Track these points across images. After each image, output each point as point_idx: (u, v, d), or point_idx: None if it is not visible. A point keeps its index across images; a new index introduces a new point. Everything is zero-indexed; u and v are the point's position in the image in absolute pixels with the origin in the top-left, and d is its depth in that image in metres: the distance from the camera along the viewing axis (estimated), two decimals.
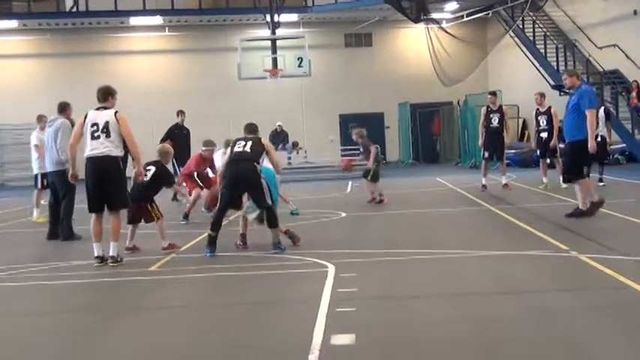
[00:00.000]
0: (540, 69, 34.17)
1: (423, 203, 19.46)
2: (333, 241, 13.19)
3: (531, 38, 35.18)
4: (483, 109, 21.96)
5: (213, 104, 38.91)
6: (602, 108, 21.46)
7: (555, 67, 33.82)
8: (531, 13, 34.77)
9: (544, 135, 20.91)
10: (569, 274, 9.52)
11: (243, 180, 12.10)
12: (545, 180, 21.03)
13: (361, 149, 20.30)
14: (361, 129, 20.15)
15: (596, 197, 14.63)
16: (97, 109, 12.03)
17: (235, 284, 10.00)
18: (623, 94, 31.93)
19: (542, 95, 21.34)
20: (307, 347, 6.53)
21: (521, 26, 35.31)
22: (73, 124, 15.47)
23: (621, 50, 31.56)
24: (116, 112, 11.92)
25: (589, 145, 14.29)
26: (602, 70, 32.51)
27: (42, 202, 18.56)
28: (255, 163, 12.15)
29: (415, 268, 10.40)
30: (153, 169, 13.05)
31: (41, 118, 18.68)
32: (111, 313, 8.61)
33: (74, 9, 37.32)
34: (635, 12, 31.68)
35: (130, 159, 12.38)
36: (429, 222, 15.57)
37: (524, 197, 19.02)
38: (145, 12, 37.77)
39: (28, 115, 29.98)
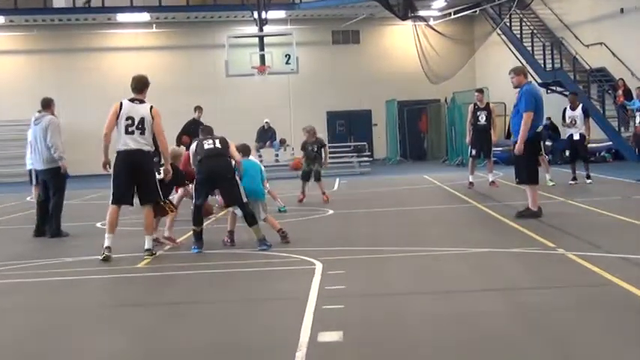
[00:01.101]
0: (527, 66, 34.21)
1: (411, 201, 19.49)
2: (320, 238, 13.21)
3: (518, 36, 35.28)
4: (471, 107, 21.95)
5: (201, 101, 38.36)
6: (580, 106, 21.53)
7: (542, 65, 33.91)
8: (518, 11, 34.86)
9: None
10: (556, 271, 9.55)
11: (218, 175, 12.12)
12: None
13: (314, 148, 19.57)
14: (313, 126, 20.08)
15: (535, 208, 14.49)
16: (132, 100, 11.82)
17: (222, 281, 10.00)
18: (609, 92, 32.05)
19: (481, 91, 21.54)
20: (295, 344, 6.54)
21: (508, 24, 35.39)
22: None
23: (608, 48, 31.69)
24: (152, 107, 11.79)
25: (516, 148, 14.24)
26: (588, 67, 32.65)
27: (28, 198, 18.47)
28: (229, 158, 12.19)
29: (403, 265, 10.42)
30: None
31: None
32: (96, 310, 8.60)
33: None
34: (621, 10, 31.82)
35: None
36: (416, 219, 15.60)
37: (511, 195, 19.05)
38: (132, 8, 37.73)
39: (14, 111, 30.06)
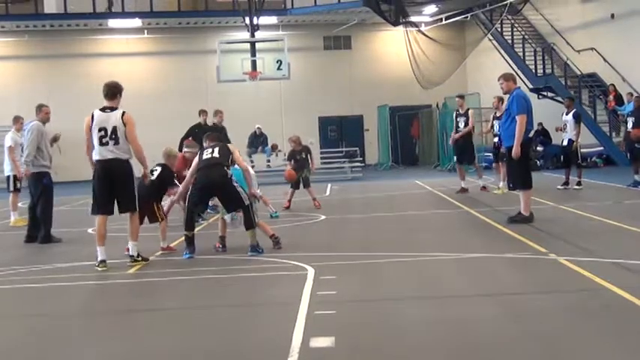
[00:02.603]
0: (519, 72, 34.29)
1: (402, 206, 19.48)
2: (312, 243, 13.20)
3: (510, 41, 35.35)
4: (454, 113, 22.12)
5: (193, 106, 38.42)
6: (572, 112, 21.53)
7: (534, 71, 33.98)
8: (510, 17, 34.93)
9: (496, 140, 20.87)
10: (548, 276, 9.56)
11: (215, 185, 12.14)
12: (501, 184, 20.94)
13: (298, 157, 19.55)
14: (298, 135, 20.08)
15: (527, 213, 14.48)
16: (103, 109, 11.66)
17: (214, 287, 9.98)
18: (600, 97, 32.14)
19: (499, 99, 20.85)
20: (286, 350, 6.53)
21: (499, 29, 35.46)
22: (56, 138, 15.50)
23: (599, 54, 31.78)
24: (123, 114, 11.57)
25: (513, 151, 14.21)
26: (580, 73, 32.73)
27: (20, 204, 18.43)
28: (225, 167, 12.18)
29: (394, 270, 10.41)
30: (159, 169, 13.09)
31: (17, 120, 18.56)
32: (87, 317, 8.58)
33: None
34: (612, 16, 31.91)
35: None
36: (408, 224, 15.60)
37: (503, 200, 19.07)
38: (123, 14, 37.66)
39: (4, 117, 29.81)
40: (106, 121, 11.48)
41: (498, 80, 14.96)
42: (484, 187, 21.25)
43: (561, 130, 21.31)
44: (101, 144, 11.40)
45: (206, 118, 21.37)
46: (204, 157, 12.29)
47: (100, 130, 11.42)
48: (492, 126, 21.40)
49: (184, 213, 12.70)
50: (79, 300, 9.62)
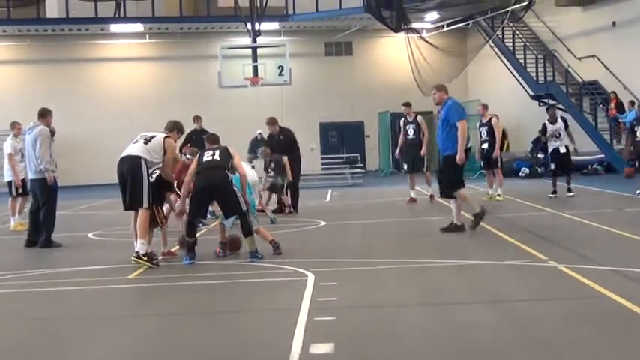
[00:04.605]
0: (520, 79, 34.32)
1: (402, 212, 19.47)
2: (312, 249, 13.20)
3: (511, 49, 35.35)
4: (402, 121, 21.92)
5: (194, 112, 38.42)
6: (559, 118, 21.51)
7: (535, 78, 33.99)
8: (511, 24, 34.92)
9: (485, 146, 20.98)
10: (548, 283, 9.56)
11: (215, 188, 12.08)
12: (490, 191, 21.07)
13: (273, 165, 19.71)
14: (265, 148, 20.20)
15: (477, 208, 14.58)
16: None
17: (214, 292, 9.98)
18: (601, 104, 32.14)
19: (484, 106, 21.44)
20: (286, 356, 6.54)
21: (501, 37, 35.46)
22: (53, 133, 15.49)
23: (600, 61, 31.79)
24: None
25: (457, 157, 14.21)
26: (581, 80, 32.74)
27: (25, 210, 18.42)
28: (226, 171, 12.16)
29: (394, 277, 10.41)
30: (158, 173, 12.87)
31: (15, 126, 18.56)
32: (86, 321, 8.56)
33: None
34: (614, 23, 31.92)
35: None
36: (408, 231, 15.59)
37: (502, 207, 19.09)
38: (125, 19, 37.65)
39: (5, 122, 29.90)
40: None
41: (431, 90, 15.01)
42: (432, 196, 21.09)
43: (556, 138, 21.12)
44: None
45: (201, 124, 21.39)
46: (205, 159, 12.24)
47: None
48: (480, 134, 21.34)
49: (182, 224, 12.69)
50: (79, 304, 9.62)
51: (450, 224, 14.56)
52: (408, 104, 22.16)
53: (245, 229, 12.03)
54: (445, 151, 14.57)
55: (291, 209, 19.36)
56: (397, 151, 21.57)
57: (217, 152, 12.31)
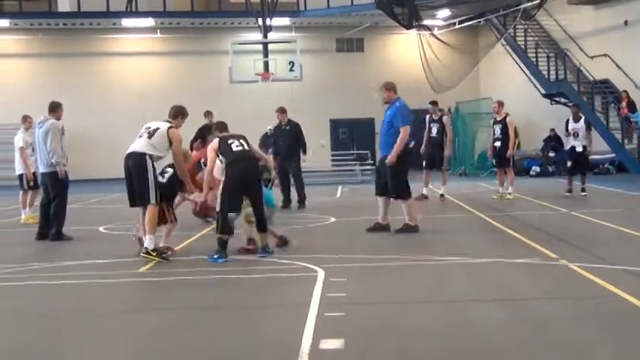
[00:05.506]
0: (531, 77, 34.25)
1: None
2: (322, 245, 13.19)
3: (523, 47, 35.27)
4: (428, 118, 22.00)
5: (204, 107, 38.58)
6: (583, 118, 21.49)
7: (546, 76, 33.92)
8: (523, 22, 34.85)
9: (497, 144, 20.91)
10: (559, 282, 9.53)
11: (251, 180, 11.83)
12: (501, 190, 20.99)
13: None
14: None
15: (413, 222, 14.49)
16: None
17: (223, 287, 9.98)
18: (613, 103, 32.03)
19: (500, 104, 21.35)
20: (296, 351, 6.53)
21: (512, 34, 35.39)
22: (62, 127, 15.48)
23: (612, 60, 31.68)
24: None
25: (388, 159, 14.16)
26: (592, 79, 32.64)
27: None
28: (257, 161, 12.05)
29: (404, 274, 10.39)
30: (170, 171, 12.70)
31: (26, 119, 18.61)
32: (95, 315, 8.57)
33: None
34: (625, 22, 31.82)
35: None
36: (420, 228, 15.55)
37: (513, 205, 19.06)
38: (137, 14, 37.72)
39: (17, 115, 29.97)
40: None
41: (380, 89, 14.90)
42: (442, 196, 21.05)
43: (574, 137, 21.13)
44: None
45: (212, 119, 21.40)
46: (235, 148, 11.85)
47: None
48: (493, 131, 21.28)
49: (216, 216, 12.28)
50: (88, 298, 9.61)
51: (404, 225, 14.48)
52: (434, 102, 22.32)
53: (261, 224, 11.94)
54: (385, 152, 14.48)
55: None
56: (422, 148, 21.50)
57: (245, 142, 12.03)
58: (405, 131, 14.19)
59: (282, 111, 21.57)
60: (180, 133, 12.43)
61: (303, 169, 21.27)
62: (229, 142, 11.99)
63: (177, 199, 13.39)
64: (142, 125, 12.46)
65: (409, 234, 14.17)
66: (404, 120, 14.33)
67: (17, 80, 39.11)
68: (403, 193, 14.47)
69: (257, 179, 11.94)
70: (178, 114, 12.70)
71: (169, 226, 12.58)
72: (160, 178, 12.29)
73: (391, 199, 14.65)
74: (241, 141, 12.03)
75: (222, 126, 12.70)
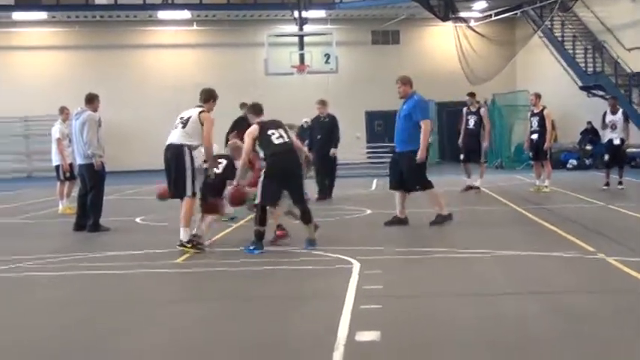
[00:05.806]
0: (568, 69, 33.99)
1: (449, 201, 19.34)
2: (357, 237, 13.20)
3: (560, 39, 35.02)
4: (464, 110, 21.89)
5: (240, 99, 38.67)
6: (621, 110, 21.31)
7: (584, 69, 33.65)
8: (560, 14, 34.59)
9: (534, 137, 20.77)
10: (595, 275, 9.47)
11: (293, 173, 11.84)
12: (537, 182, 20.85)
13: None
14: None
15: (445, 212, 14.45)
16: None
17: (259, 279, 10.00)
18: None
19: (537, 96, 21.17)
20: (332, 343, 6.54)
21: (549, 26, 35.14)
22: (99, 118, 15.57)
23: None
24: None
25: (419, 156, 14.01)
26: (630, 71, 32.31)
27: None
28: (297, 153, 12.01)
29: (440, 266, 10.38)
30: (224, 162, 12.83)
31: (63, 110, 18.76)
32: (130, 305, 8.65)
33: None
34: None
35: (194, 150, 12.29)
36: (454, 221, 15.48)
37: (550, 199, 18.94)
38: (173, 6, 37.94)
39: (54, 106, 30.25)
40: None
41: (396, 83, 14.78)
42: (478, 188, 20.98)
43: (611, 129, 20.96)
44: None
45: None
46: (276, 140, 11.73)
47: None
48: (530, 124, 21.15)
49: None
50: (126, 288, 9.70)
51: (437, 216, 14.43)
52: (472, 94, 22.25)
53: (305, 216, 11.94)
54: (406, 147, 14.31)
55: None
56: (460, 140, 21.46)
57: (284, 132, 11.91)
58: (426, 124, 14.14)
59: (322, 103, 21.65)
60: (212, 116, 12.31)
61: (338, 162, 21.32)
62: (269, 132, 11.84)
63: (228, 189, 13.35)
64: (176, 117, 12.47)
65: (444, 224, 14.12)
66: (423, 113, 14.30)
67: (54, 72, 39.48)
68: (427, 183, 14.44)
69: (298, 172, 11.94)
70: (209, 97, 12.55)
71: (211, 219, 12.62)
72: (215, 170, 12.41)
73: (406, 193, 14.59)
74: (281, 131, 11.89)
75: (257, 108, 12.53)
